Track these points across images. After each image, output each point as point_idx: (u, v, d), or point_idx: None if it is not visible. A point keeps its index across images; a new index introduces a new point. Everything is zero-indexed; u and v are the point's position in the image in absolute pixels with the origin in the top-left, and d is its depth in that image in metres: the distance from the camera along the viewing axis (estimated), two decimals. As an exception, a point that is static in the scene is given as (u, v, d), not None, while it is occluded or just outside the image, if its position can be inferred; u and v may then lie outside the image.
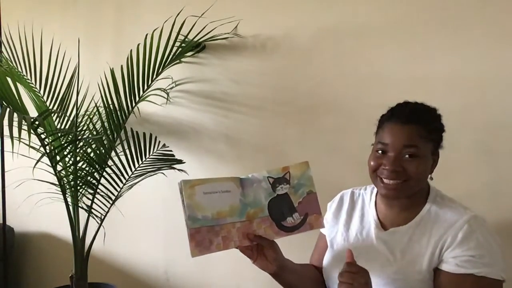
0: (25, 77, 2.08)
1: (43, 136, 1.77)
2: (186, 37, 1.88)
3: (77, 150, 1.90)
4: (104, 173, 1.88)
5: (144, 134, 1.95)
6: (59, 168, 1.91)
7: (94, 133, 1.96)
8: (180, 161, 1.87)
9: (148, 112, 2.11)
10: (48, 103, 2.07)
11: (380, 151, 1.03)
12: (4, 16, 2.44)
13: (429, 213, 1.03)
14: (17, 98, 1.89)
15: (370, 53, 1.56)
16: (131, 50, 1.87)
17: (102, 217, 1.95)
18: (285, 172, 1.03)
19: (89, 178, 1.91)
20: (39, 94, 2.06)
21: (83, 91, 2.11)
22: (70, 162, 1.95)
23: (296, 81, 1.73)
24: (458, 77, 1.40)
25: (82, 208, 1.95)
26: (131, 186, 1.93)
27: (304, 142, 1.71)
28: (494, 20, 1.34)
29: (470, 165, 1.39)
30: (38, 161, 1.57)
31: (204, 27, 1.86)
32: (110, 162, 1.89)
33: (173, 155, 1.90)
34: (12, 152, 1.67)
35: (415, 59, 1.47)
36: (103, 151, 1.87)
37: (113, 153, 1.88)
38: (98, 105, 2.02)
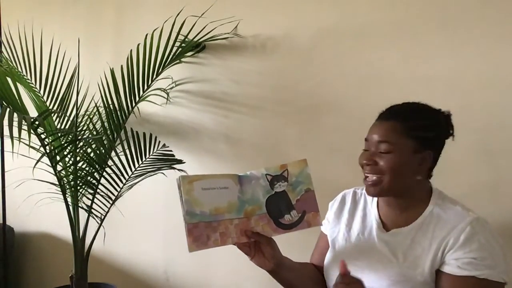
0: (25, 77, 2.08)
1: (43, 136, 1.77)
2: (186, 37, 1.88)
3: (77, 150, 1.90)
4: (104, 173, 1.88)
5: (144, 134, 1.95)
6: (59, 168, 1.91)
7: (94, 133, 1.96)
8: (180, 161, 1.87)
9: (148, 112, 2.11)
10: (48, 103, 2.07)
11: (365, 148, 1.07)
12: (4, 16, 2.44)
13: (431, 215, 1.03)
14: (17, 98, 1.89)
15: (370, 53, 1.56)
16: (131, 50, 1.87)
17: (102, 217, 1.95)
18: (283, 170, 1.03)
19: (89, 178, 1.91)
20: (39, 94, 2.06)
21: (83, 91, 2.11)
22: (70, 162, 1.95)
23: (296, 81, 1.73)
24: (458, 77, 1.40)
25: (82, 208, 1.95)
26: (131, 186, 1.93)
27: (304, 142, 1.72)
28: (494, 20, 1.34)
29: (470, 165, 1.39)
30: (38, 161, 1.57)
31: (204, 27, 1.86)
32: (110, 162, 1.89)
33: (173, 155, 1.90)
34: (12, 152, 1.67)
35: (415, 59, 1.47)
36: (103, 151, 1.87)
37: (113, 153, 1.88)
38: (98, 105, 2.02)
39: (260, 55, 1.81)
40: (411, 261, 0.99)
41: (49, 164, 1.84)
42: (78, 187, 1.94)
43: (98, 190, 1.91)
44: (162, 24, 1.85)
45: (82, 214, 1.96)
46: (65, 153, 1.90)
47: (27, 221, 2.61)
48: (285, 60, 1.75)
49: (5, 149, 2.46)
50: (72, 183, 1.96)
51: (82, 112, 2.08)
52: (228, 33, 1.85)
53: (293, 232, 1.04)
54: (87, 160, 1.89)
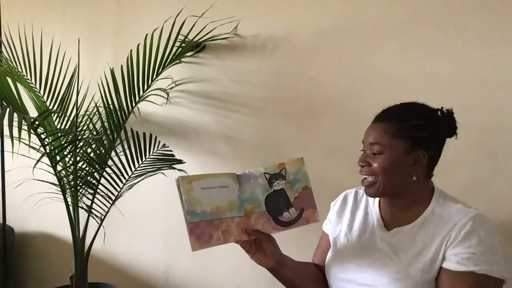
0: (25, 77, 2.08)
1: (43, 136, 1.77)
2: (186, 37, 1.88)
3: (77, 150, 1.90)
4: (104, 173, 1.88)
5: (144, 134, 1.95)
6: (59, 168, 1.91)
7: (94, 133, 1.97)
8: (180, 161, 1.87)
9: (148, 112, 2.11)
10: (48, 103, 2.07)
11: (362, 150, 1.09)
12: (4, 16, 2.45)
13: (432, 214, 1.03)
14: (17, 98, 1.89)
15: (370, 53, 1.56)
16: (131, 50, 1.87)
17: (102, 217, 1.95)
18: (281, 168, 1.05)
19: (89, 178, 1.91)
20: (39, 94, 2.07)
21: (83, 91, 2.12)
22: (70, 162, 1.95)
23: (296, 81, 1.73)
24: (458, 77, 1.40)
25: (82, 208, 1.95)
26: (131, 186, 1.93)
27: (304, 142, 1.72)
28: (494, 20, 1.34)
29: (470, 165, 1.39)
30: (38, 161, 1.57)
31: (204, 27, 1.86)
32: (110, 162, 1.89)
33: (173, 155, 1.90)
34: (12, 152, 1.67)
35: (415, 59, 1.47)
36: (103, 151, 1.87)
37: (113, 153, 1.88)
38: (98, 105, 2.02)
39: (260, 55, 1.81)
40: (412, 257, 1.00)
41: (49, 164, 1.84)
42: (78, 187, 1.94)
43: (98, 190, 1.91)
44: (162, 24, 1.85)
45: (82, 214, 1.96)
46: (65, 153, 1.90)
47: (27, 221, 2.61)
48: (285, 60, 1.75)
49: (5, 149, 2.46)
50: (72, 183, 1.96)
51: (82, 112, 2.08)
52: (228, 33, 1.85)
53: (291, 229, 1.05)
54: (87, 160, 1.89)
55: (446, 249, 0.97)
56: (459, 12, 1.39)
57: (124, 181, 1.91)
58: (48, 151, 1.81)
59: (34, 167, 1.53)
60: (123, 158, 1.88)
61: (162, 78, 1.96)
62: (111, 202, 1.93)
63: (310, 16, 1.68)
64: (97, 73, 1.98)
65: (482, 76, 1.36)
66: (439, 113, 1.07)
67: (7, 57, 2.10)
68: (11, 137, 1.48)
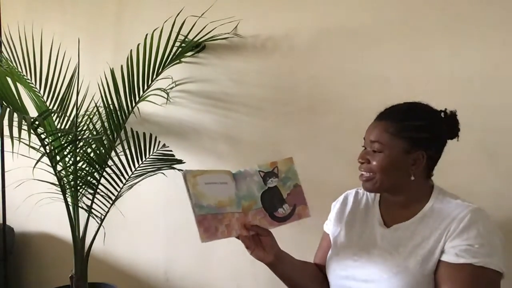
0: (25, 77, 2.08)
1: (43, 136, 1.77)
2: (186, 37, 1.88)
3: (77, 150, 1.90)
4: (104, 173, 1.88)
5: (144, 134, 1.95)
6: (59, 168, 1.91)
7: (94, 133, 1.97)
8: (180, 161, 1.87)
9: (148, 112, 2.11)
10: (48, 103, 2.07)
11: (363, 146, 1.10)
12: (4, 16, 2.45)
13: (431, 209, 1.04)
14: (17, 98, 1.89)
15: (370, 53, 1.56)
16: (131, 50, 1.87)
17: (102, 217, 1.95)
18: (274, 167, 1.09)
19: (89, 178, 1.91)
20: (39, 94, 2.06)
21: (83, 91, 2.11)
22: (70, 162, 1.95)
23: (296, 81, 1.73)
24: (458, 77, 1.40)
25: (82, 208, 1.95)
26: (131, 186, 1.93)
27: (304, 142, 1.72)
28: (494, 20, 1.34)
29: (470, 165, 1.39)
30: (38, 161, 1.57)
31: (204, 27, 1.86)
32: (110, 162, 1.88)
33: (173, 155, 1.90)
34: (12, 152, 1.67)
35: (415, 59, 1.47)
36: (103, 151, 1.87)
37: (113, 153, 1.88)
38: (98, 105, 2.02)
39: (260, 55, 1.81)
40: (410, 250, 1.00)
41: (49, 164, 1.84)
42: (78, 187, 1.94)
43: (98, 190, 1.91)
44: (162, 24, 1.85)
45: (82, 214, 1.96)
46: (65, 153, 1.90)
47: (27, 221, 2.61)
48: (285, 60, 1.75)
49: (5, 149, 2.46)
50: (72, 183, 1.96)
51: (82, 112, 2.08)
52: (228, 33, 1.85)
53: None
54: (87, 160, 1.89)
55: (445, 242, 0.97)
56: (459, 12, 1.39)
57: (124, 181, 1.91)
58: (48, 151, 1.81)
59: (34, 167, 1.53)
60: (123, 158, 1.88)
61: (162, 78, 1.96)
62: (111, 202, 1.93)
63: (310, 16, 1.68)
64: (97, 73, 1.98)
65: (482, 76, 1.36)
66: (442, 114, 1.07)
67: (7, 57, 2.10)
68: (11, 137, 1.48)
